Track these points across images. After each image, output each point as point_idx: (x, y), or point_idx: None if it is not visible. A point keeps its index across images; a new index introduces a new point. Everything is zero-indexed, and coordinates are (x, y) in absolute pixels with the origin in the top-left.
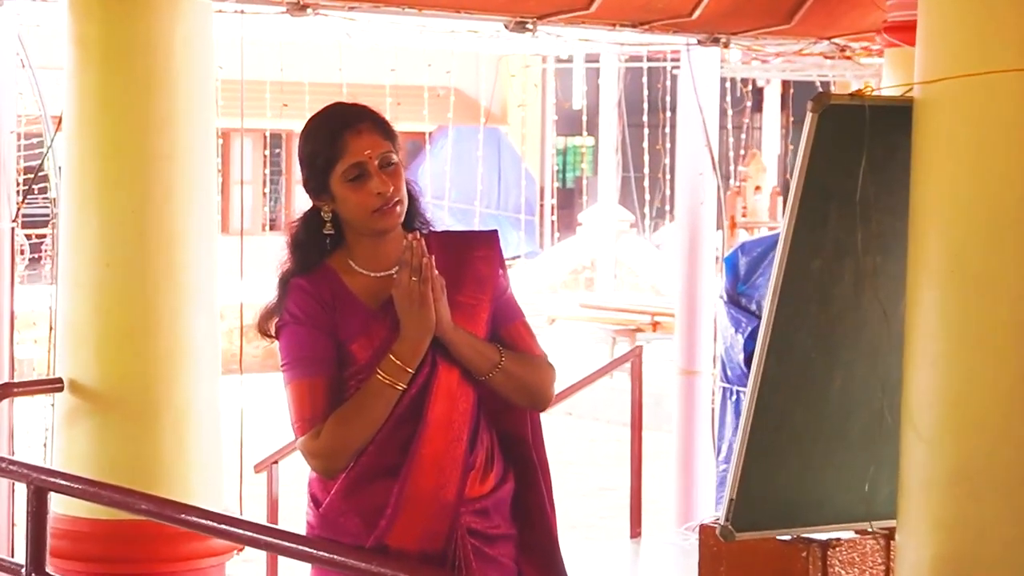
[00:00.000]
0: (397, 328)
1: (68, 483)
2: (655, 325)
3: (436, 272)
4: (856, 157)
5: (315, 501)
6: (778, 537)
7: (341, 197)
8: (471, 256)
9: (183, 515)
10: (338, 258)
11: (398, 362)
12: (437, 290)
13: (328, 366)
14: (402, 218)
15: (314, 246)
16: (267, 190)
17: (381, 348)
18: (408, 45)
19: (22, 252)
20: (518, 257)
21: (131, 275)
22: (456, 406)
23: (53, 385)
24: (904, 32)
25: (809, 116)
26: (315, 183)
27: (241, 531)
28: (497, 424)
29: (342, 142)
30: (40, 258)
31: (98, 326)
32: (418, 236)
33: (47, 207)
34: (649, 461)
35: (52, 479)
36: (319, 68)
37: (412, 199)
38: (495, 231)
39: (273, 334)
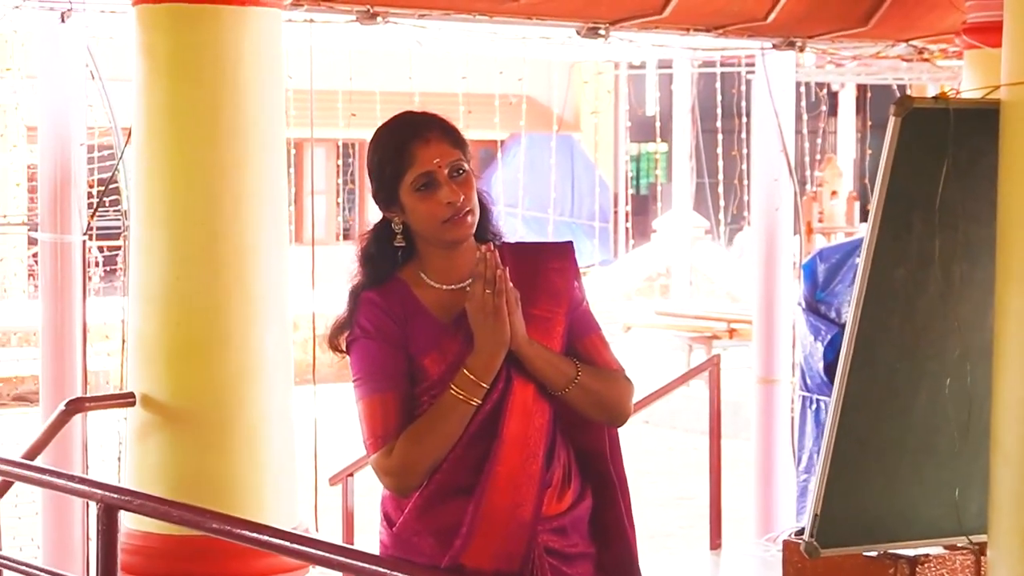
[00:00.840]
0: (470, 342)
1: (138, 501)
2: (731, 332)
3: (510, 284)
4: (939, 163)
5: (388, 520)
6: (864, 553)
7: (411, 208)
8: (546, 268)
9: (254, 534)
10: (409, 271)
11: (472, 377)
12: (512, 303)
13: (400, 381)
14: (473, 228)
15: (385, 259)
16: (340, 200)
17: (454, 363)
18: (479, 52)
19: (96, 264)
20: (592, 266)
21: (201, 288)
22: (532, 422)
23: (125, 399)
24: (984, 33)
25: (892, 120)
26: (384, 194)
27: (313, 550)
28: (574, 440)
29: (410, 152)
30: (115, 270)
31: (169, 340)
32: (491, 247)
33: (119, 219)
34: (728, 470)
35: (121, 497)
36: (390, 77)
37: (484, 209)
38: (570, 243)
39: (344, 349)
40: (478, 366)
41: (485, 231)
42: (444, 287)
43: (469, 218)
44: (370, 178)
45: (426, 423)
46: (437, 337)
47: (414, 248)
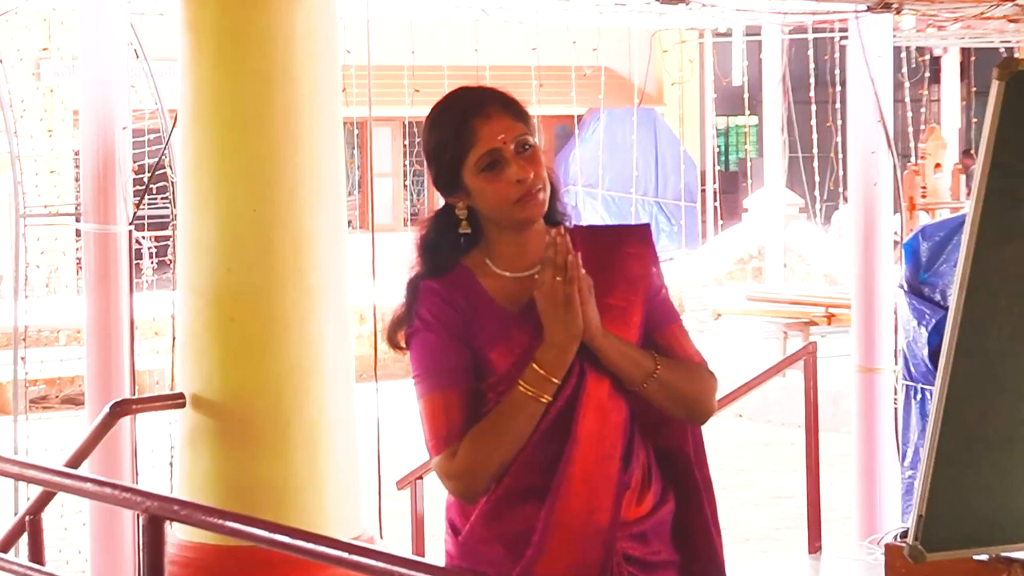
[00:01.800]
0: (540, 334)
1: (185, 511)
2: (830, 318)
3: (583, 271)
4: None
5: (454, 528)
6: (974, 557)
7: (477, 190)
8: (622, 253)
9: (310, 545)
10: (474, 258)
11: (542, 372)
12: (584, 291)
13: (464, 377)
14: (546, 206)
15: (447, 246)
16: (408, 182)
17: (522, 356)
18: (551, 22)
19: (149, 256)
20: (670, 258)
21: (254, 280)
22: (607, 420)
23: (174, 400)
24: None
25: (995, 85)
26: (446, 178)
27: (373, 562)
28: (654, 439)
29: (471, 129)
30: (167, 262)
31: (220, 336)
32: (562, 231)
33: (168, 208)
34: (827, 466)
35: (167, 506)
36: (456, 50)
37: (552, 189)
38: (647, 225)
39: (403, 344)
40: (548, 360)
41: (554, 213)
42: (511, 275)
43: (541, 195)
44: (428, 162)
45: (492, 422)
46: (504, 329)
47: (479, 234)
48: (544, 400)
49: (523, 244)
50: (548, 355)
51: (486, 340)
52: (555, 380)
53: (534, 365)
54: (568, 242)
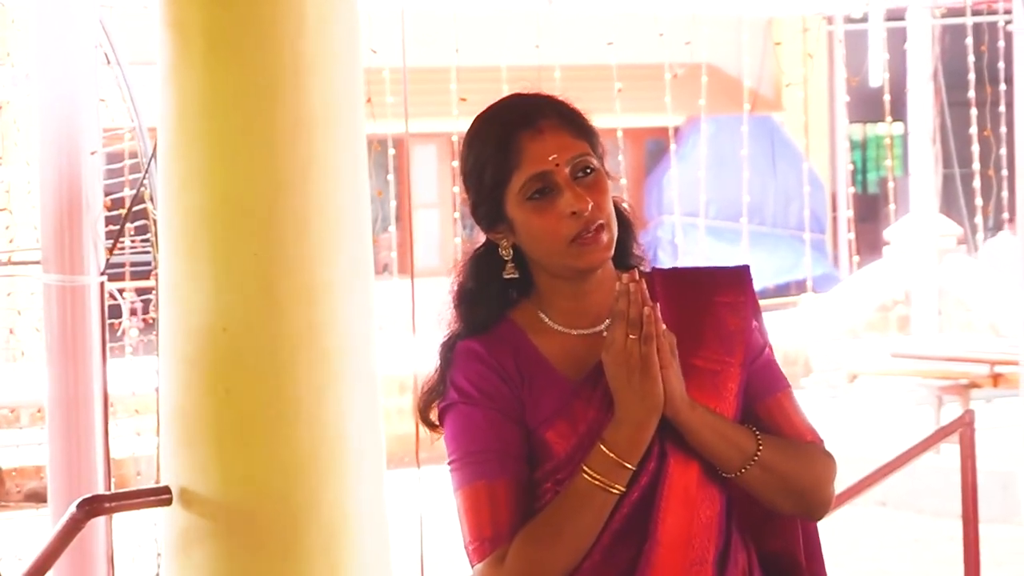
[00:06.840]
0: (609, 407)
1: None
2: (996, 378)
3: (663, 326)
4: None
5: None
6: None
7: (522, 223)
8: (713, 303)
9: None
10: (524, 311)
11: (612, 455)
12: (665, 351)
13: (514, 463)
14: (611, 250)
15: (489, 296)
16: (458, 214)
17: (587, 436)
18: (633, 10)
19: (133, 313)
20: (796, 294)
21: (258, 343)
22: (696, 516)
23: (159, 496)
24: None
25: None
26: (486, 206)
27: None
28: (756, 539)
29: (517, 147)
30: (153, 320)
31: (214, 414)
32: (636, 275)
33: (150, 252)
34: (994, 566)
35: None
36: (514, 47)
37: (624, 225)
38: (746, 268)
39: (437, 420)
40: (620, 440)
41: (626, 255)
42: (573, 332)
43: (604, 235)
44: (466, 187)
45: (551, 519)
46: (564, 401)
47: (530, 280)
48: (615, 491)
49: (586, 294)
50: (620, 434)
51: (542, 416)
52: (629, 465)
53: (602, 447)
54: (644, 290)
